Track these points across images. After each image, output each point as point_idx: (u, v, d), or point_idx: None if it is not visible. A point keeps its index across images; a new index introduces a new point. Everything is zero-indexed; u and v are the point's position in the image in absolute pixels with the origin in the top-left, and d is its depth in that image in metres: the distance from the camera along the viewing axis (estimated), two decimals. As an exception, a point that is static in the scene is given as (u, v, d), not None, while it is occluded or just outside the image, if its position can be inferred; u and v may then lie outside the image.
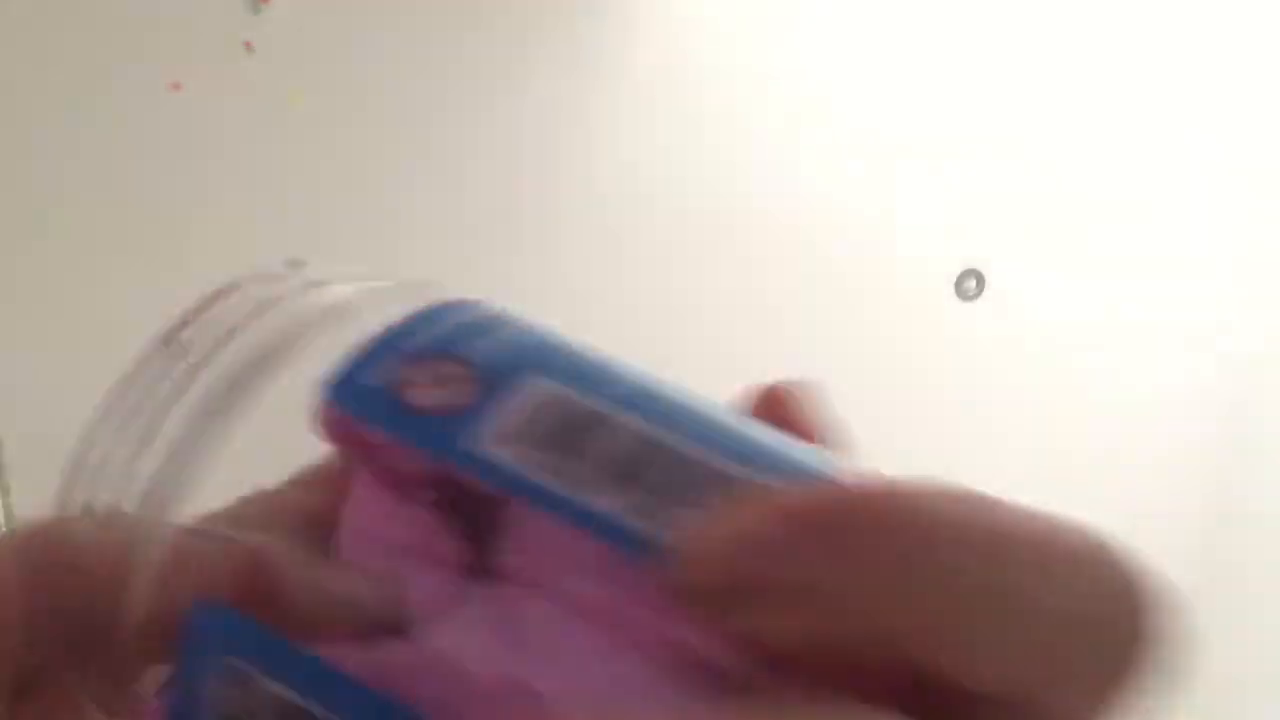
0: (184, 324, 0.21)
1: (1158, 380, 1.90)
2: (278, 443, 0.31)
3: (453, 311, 0.22)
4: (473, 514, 0.21)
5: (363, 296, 0.22)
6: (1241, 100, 1.81)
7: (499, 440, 0.19)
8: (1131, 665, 0.19)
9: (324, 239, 1.54)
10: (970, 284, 1.81)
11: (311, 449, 0.24)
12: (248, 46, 1.51)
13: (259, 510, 0.24)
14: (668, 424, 0.20)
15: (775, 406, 0.23)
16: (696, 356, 1.73)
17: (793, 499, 0.18)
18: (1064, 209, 1.81)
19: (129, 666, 0.22)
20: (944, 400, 1.85)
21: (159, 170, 1.52)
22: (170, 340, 0.21)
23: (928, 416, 1.85)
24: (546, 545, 0.20)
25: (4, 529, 1.21)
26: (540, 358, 0.21)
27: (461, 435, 0.19)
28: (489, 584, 0.21)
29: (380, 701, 0.18)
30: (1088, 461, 1.91)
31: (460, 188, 1.63)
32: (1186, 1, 1.77)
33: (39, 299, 1.51)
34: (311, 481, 0.25)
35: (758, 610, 0.18)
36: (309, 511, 0.24)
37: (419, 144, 1.60)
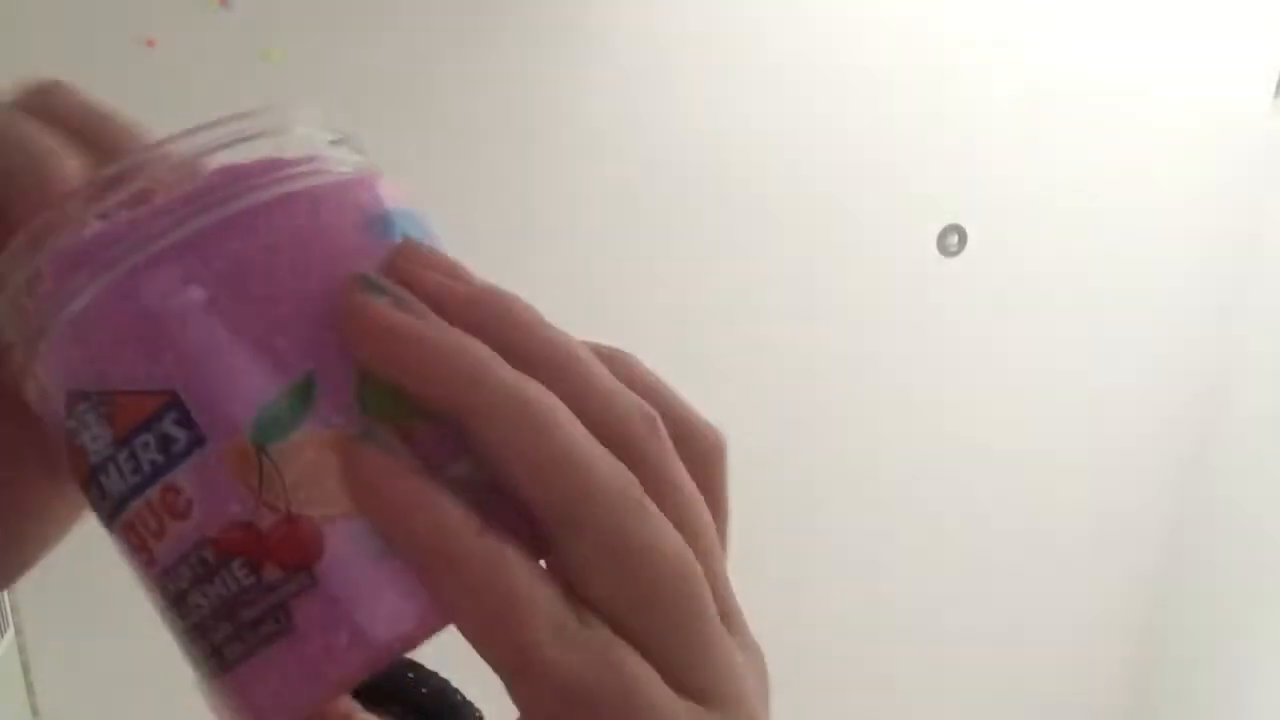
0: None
1: (1138, 334, 1.91)
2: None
3: None
4: None
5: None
6: (1216, 62, 1.81)
7: None
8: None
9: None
10: (952, 239, 1.82)
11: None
12: (222, 2, 1.49)
13: None
14: None
15: None
16: (679, 310, 1.73)
17: None
18: (1045, 165, 1.81)
19: None
20: (927, 354, 1.86)
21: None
22: None
23: (911, 369, 1.86)
24: None
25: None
26: None
27: None
28: None
29: None
30: (1069, 412, 1.92)
31: (441, 145, 1.61)
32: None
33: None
34: None
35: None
36: None
37: (396, 103, 1.58)
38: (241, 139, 0.25)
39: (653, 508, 0.23)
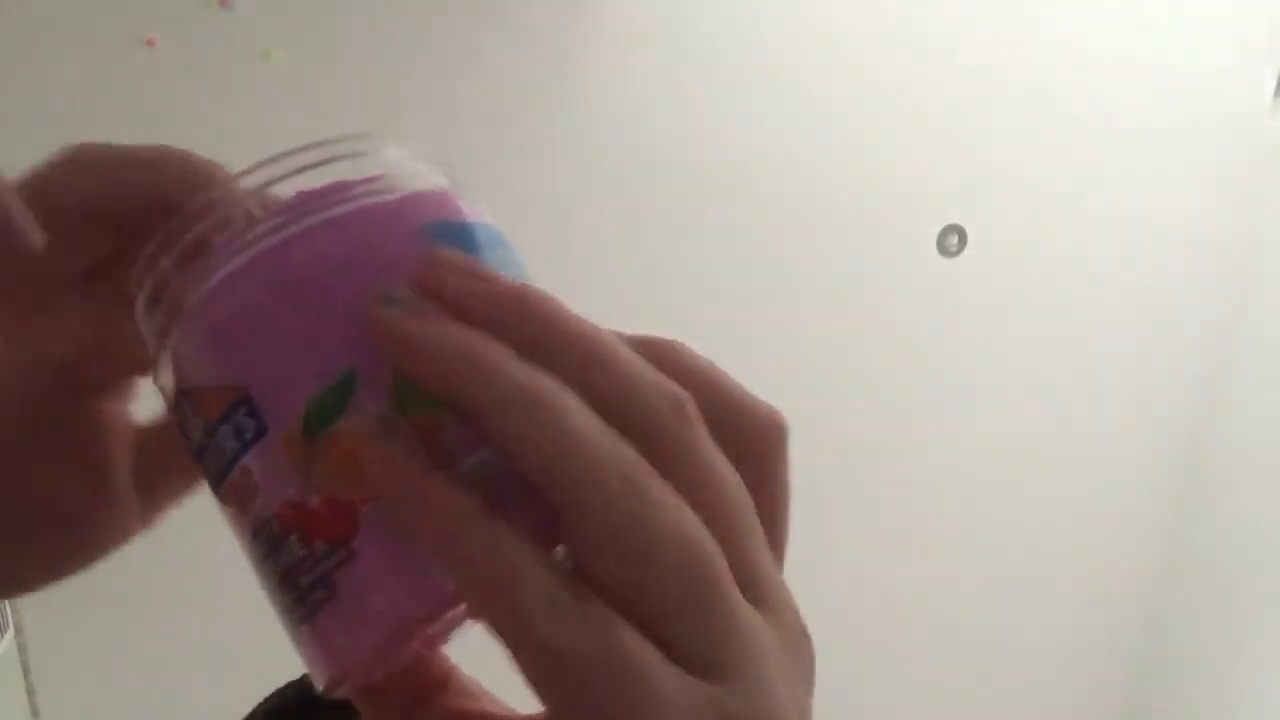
0: None
1: (1138, 333, 1.91)
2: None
3: None
4: None
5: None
6: (1216, 62, 1.81)
7: None
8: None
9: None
10: (952, 239, 1.82)
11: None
12: (222, 2, 1.49)
13: None
14: None
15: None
16: (677, 310, 1.73)
17: None
18: (1045, 166, 1.81)
19: None
20: (926, 354, 1.86)
21: (130, 129, 1.49)
22: None
23: (911, 370, 1.86)
24: None
25: None
26: None
27: None
28: None
29: None
30: (1068, 412, 1.92)
31: (441, 143, 1.61)
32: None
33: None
34: None
35: None
36: None
37: (400, 99, 1.58)
38: (323, 162, 0.28)
39: (657, 490, 0.23)
